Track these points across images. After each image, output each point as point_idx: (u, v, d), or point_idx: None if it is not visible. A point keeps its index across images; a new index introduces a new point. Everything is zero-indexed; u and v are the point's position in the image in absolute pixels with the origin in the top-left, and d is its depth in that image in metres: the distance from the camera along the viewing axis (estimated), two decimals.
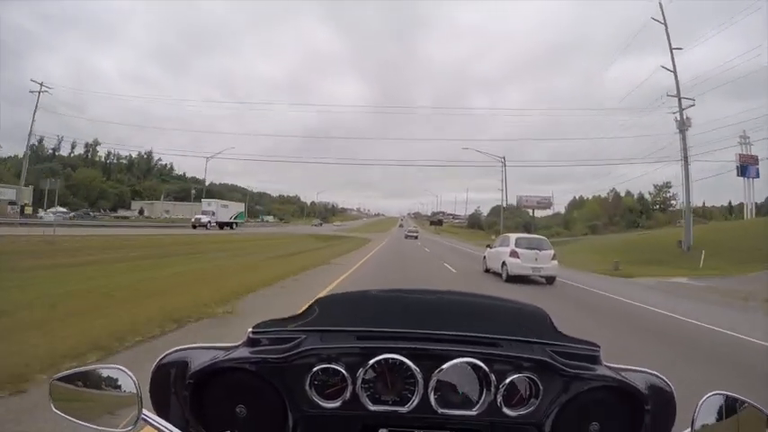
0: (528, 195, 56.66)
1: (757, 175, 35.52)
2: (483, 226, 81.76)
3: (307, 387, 0.92)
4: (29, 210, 42.17)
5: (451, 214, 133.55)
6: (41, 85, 37.96)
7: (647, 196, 62.55)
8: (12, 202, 39.70)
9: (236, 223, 48.04)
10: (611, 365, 1.02)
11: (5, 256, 10.83)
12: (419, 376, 0.92)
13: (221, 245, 20.37)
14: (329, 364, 0.93)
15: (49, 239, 15.89)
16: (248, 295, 7.55)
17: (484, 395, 0.93)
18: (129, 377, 0.87)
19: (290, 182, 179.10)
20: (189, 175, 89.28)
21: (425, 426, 0.94)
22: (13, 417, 2.69)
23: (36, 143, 74.56)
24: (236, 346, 1.01)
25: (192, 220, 41.85)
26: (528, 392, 0.95)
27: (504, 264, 12.86)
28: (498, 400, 0.92)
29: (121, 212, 68.75)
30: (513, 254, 12.49)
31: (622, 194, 65.53)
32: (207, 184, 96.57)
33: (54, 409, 0.85)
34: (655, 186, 60.02)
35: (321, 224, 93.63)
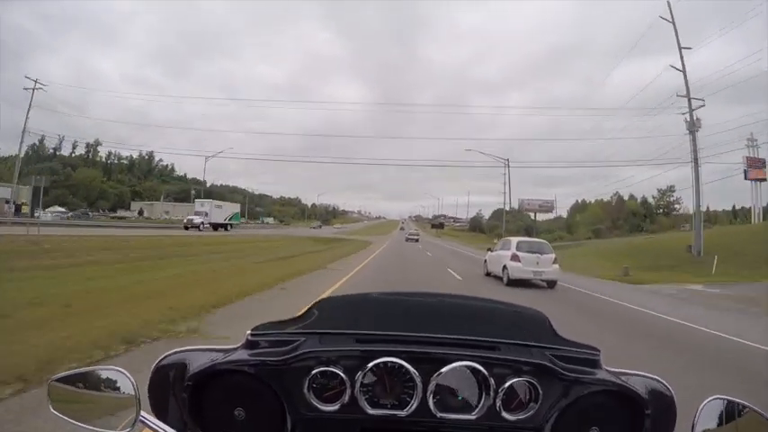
0: (530, 199, 56.28)
1: (765, 179, 34.83)
2: (484, 229, 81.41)
3: (305, 390, 0.92)
4: (26, 209, 41.71)
5: (453, 217, 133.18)
6: (36, 81, 37.46)
7: (650, 200, 62.05)
8: (8, 201, 39.26)
9: (231, 225, 46.94)
10: (612, 369, 1.01)
11: None
12: (418, 380, 0.91)
13: (211, 247, 19.63)
14: (328, 366, 0.92)
15: (33, 240, 15.29)
16: (220, 309, 6.49)
17: (483, 399, 0.92)
18: (127, 379, 0.88)
19: (292, 184, 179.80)
20: (190, 176, 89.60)
21: (424, 430, 0.94)
22: None
23: (37, 142, 74.83)
24: (235, 349, 1.00)
25: (185, 221, 40.68)
26: (527, 397, 0.94)
27: (505, 267, 12.80)
28: (497, 405, 0.92)
29: (121, 213, 68.66)
30: (515, 257, 12.44)
31: (625, 198, 64.91)
32: (208, 185, 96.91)
33: (52, 409, 0.85)
34: (658, 190, 59.60)
35: (320, 226, 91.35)
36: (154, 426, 0.85)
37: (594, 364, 1.01)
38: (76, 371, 0.91)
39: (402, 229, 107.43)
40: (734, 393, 0.93)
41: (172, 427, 0.86)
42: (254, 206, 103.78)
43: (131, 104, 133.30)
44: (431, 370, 0.91)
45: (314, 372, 0.92)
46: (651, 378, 1.02)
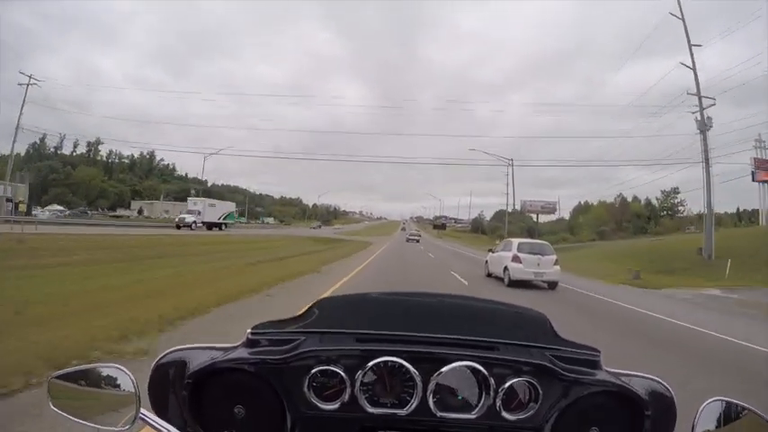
0: (532, 200, 55.69)
1: None
2: (486, 230, 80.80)
3: (305, 388, 0.92)
4: (23, 207, 41.32)
5: (454, 218, 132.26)
6: (30, 77, 36.80)
7: (654, 202, 61.34)
8: (9, 200, 38.99)
9: (226, 224, 45.53)
10: (612, 370, 1.01)
11: None
12: (418, 379, 0.91)
13: (201, 247, 18.86)
14: (328, 365, 0.92)
15: (20, 238, 14.79)
16: (188, 321, 5.58)
17: (483, 399, 0.92)
18: (127, 376, 0.87)
19: (293, 184, 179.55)
20: (191, 176, 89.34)
21: (424, 429, 0.94)
22: None
23: (38, 141, 74.83)
24: (235, 347, 1.00)
25: (176, 219, 39.41)
26: (527, 397, 0.94)
27: (506, 268, 12.79)
28: (497, 404, 0.92)
29: (120, 212, 68.33)
30: (516, 258, 12.44)
31: (629, 200, 64.15)
32: (209, 185, 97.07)
33: (52, 406, 0.85)
34: (662, 192, 58.89)
35: (320, 226, 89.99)
36: (154, 423, 0.84)
37: (594, 364, 1.00)
38: (77, 368, 0.91)
39: (403, 229, 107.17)
40: None
41: (172, 425, 0.85)
42: (254, 206, 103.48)
43: (132, 103, 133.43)
44: (431, 369, 0.91)
45: (314, 370, 0.92)
46: (651, 379, 1.01)
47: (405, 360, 0.92)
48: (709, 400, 0.89)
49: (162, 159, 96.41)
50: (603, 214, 63.31)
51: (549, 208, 57.38)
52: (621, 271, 19.67)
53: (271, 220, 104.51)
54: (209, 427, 0.92)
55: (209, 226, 40.79)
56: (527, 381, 0.93)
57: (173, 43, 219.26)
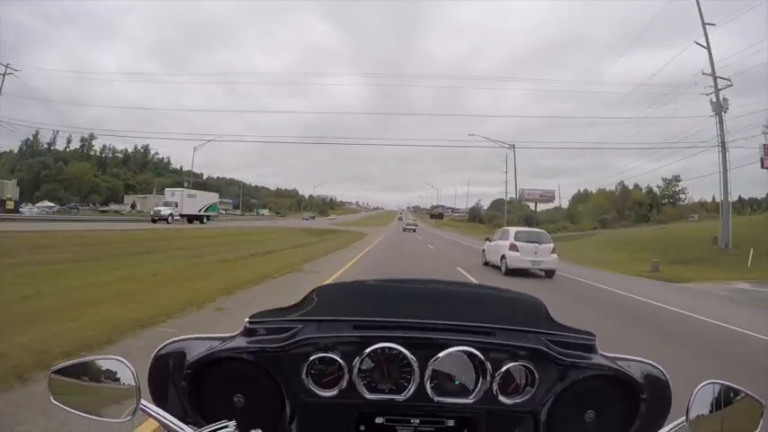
0: (530, 189, 54.74)
1: None
2: (483, 219, 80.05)
3: (303, 376, 0.93)
4: (11, 204, 40.43)
5: (451, 208, 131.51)
6: (7, 67, 34.93)
7: (654, 189, 60.47)
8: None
9: (209, 216, 42.37)
10: (607, 354, 1.02)
11: None
12: (415, 365, 0.92)
13: (179, 242, 17.23)
14: (326, 353, 0.93)
15: None
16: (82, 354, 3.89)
17: (480, 383, 0.93)
18: (127, 368, 0.87)
19: (290, 176, 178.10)
20: (186, 168, 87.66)
21: (422, 414, 0.94)
22: None
23: (31, 137, 73.46)
24: (233, 336, 1.00)
25: (152, 212, 36.63)
26: (524, 381, 0.95)
27: (503, 257, 12.82)
28: (494, 389, 0.93)
29: (113, 207, 67.05)
30: (513, 247, 12.47)
31: (629, 188, 63.19)
32: (204, 177, 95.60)
33: (53, 400, 0.85)
34: (663, 179, 58.04)
35: (313, 218, 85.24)
36: (154, 414, 0.85)
37: (590, 348, 1.01)
38: (76, 361, 0.91)
39: (400, 219, 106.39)
40: None
41: (172, 415, 0.85)
42: (249, 198, 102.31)
43: (126, 94, 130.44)
44: (428, 355, 0.92)
45: (312, 358, 0.92)
46: (647, 363, 1.02)
47: (402, 346, 0.92)
48: (703, 383, 0.88)
49: (156, 153, 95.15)
50: (604, 202, 62.54)
51: (548, 196, 56.70)
52: (634, 261, 18.78)
53: (266, 211, 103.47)
54: (208, 417, 0.91)
55: (190, 219, 38.24)
56: (523, 365, 0.93)
57: (169, 33, 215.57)
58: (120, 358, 0.88)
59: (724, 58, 47.22)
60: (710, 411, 0.87)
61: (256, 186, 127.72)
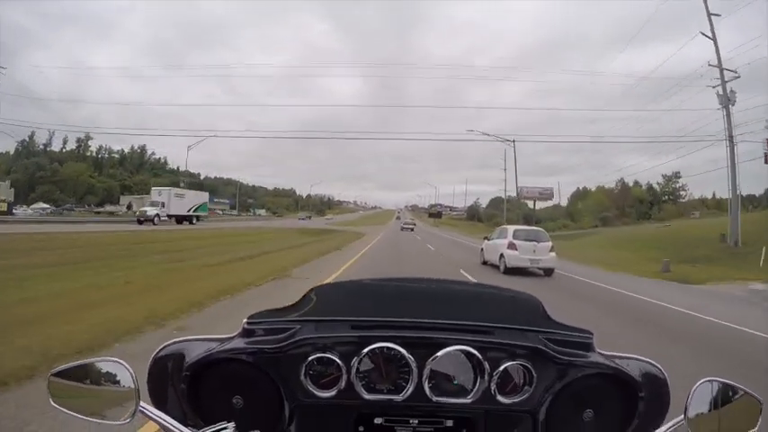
0: (529, 186, 54.09)
1: None
2: (482, 218, 79.53)
3: (302, 377, 0.92)
4: (4, 206, 39.96)
5: (449, 206, 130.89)
6: None
7: (654, 186, 60.00)
8: None
9: (198, 217, 40.56)
10: (605, 353, 1.02)
11: None
12: (413, 365, 0.92)
13: (164, 245, 16.26)
14: (324, 353, 0.92)
15: None
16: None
17: (478, 383, 0.93)
18: (126, 370, 0.87)
19: (288, 176, 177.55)
20: (183, 169, 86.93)
21: (420, 414, 0.94)
22: None
23: (27, 138, 72.91)
24: (232, 337, 1.00)
25: (137, 213, 35.37)
26: (522, 380, 0.95)
27: (501, 256, 12.78)
28: (492, 388, 0.92)
29: (109, 208, 66.41)
30: (511, 246, 12.44)
31: (629, 185, 62.70)
32: (202, 177, 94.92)
33: (53, 403, 0.85)
34: (663, 176, 57.57)
35: (309, 218, 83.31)
36: (153, 416, 0.85)
37: (588, 347, 1.01)
38: (75, 363, 0.90)
39: (398, 218, 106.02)
40: None
41: (172, 417, 0.85)
42: (246, 198, 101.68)
43: (124, 94, 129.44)
44: (426, 355, 0.92)
45: (310, 358, 0.92)
46: (645, 361, 1.02)
47: (400, 346, 0.92)
48: (701, 381, 0.88)
49: (153, 153, 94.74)
50: (604, 200, 62.08)
51: (547, 194, 56.11)
52: (641, 260, 18.14)
53: (263, 211, 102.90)
54: (207, 418, 0.91)
55: (179, 219, 36.61)
56: (521, 364, 0.93)
57: (166, 32, 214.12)
58: (119, 360, 0.88)
59: (728, 51, 46.74)
60: (709, 410, 0.86)
61: (254, 186, 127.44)
